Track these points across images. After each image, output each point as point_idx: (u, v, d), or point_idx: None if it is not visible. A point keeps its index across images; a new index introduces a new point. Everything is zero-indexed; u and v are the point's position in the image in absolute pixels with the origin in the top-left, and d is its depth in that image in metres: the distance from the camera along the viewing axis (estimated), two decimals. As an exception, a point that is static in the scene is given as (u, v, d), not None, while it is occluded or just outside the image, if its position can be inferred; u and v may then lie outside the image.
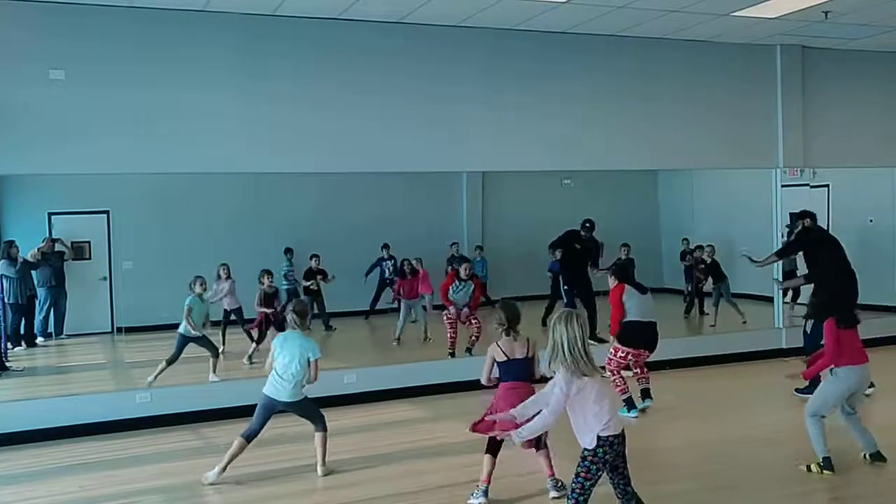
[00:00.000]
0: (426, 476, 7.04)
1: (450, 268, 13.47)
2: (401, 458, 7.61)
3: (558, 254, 12.42)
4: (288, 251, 14.72)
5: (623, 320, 8.70)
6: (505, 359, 6.25)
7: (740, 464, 7.17)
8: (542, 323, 14.67)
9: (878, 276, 13.70)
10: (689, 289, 14.82)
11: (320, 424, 7.17)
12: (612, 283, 8.91)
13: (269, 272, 12.13)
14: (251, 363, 11.56)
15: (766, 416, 8.76)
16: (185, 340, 10.12)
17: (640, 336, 8.75)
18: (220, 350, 10.52)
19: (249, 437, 6.95)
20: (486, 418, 6.10)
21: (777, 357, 11.66)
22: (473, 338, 11.37)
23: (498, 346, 6.29)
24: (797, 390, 9.30)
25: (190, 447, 8.30)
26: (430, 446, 8.00)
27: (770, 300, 12.59)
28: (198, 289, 10.28)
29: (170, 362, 9.96)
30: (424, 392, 10.04)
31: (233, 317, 12.46)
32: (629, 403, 8.80)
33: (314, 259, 14.32)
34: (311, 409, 7.19)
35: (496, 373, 6.37)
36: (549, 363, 4.98)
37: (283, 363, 6.87)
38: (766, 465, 7.12)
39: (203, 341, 10.27)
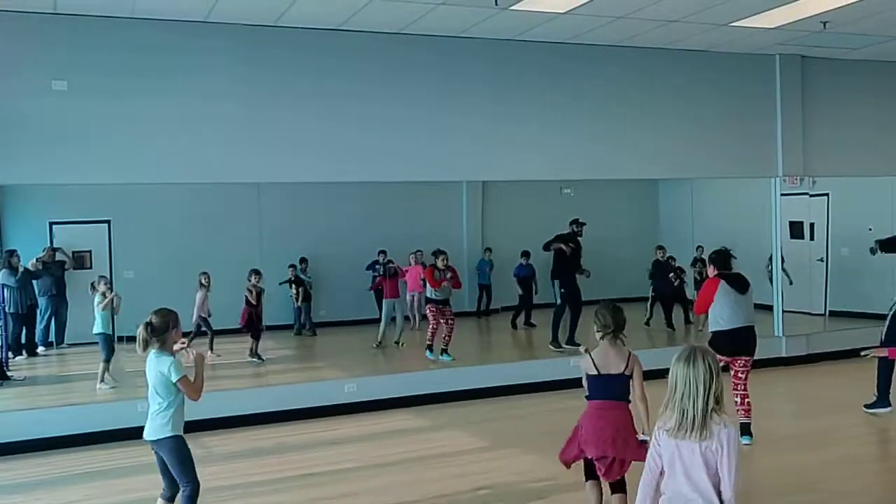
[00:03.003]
0: (428, 485, 7.03)
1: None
2: (402, 467, 7.61)
3: (568, 247, 12.36)
4: (303, 261, 14.87)
5: (712, 330, 7.80)
6: (596, 373, 5.34)
7: (746, 472, 7.16)
8: (513, 325, 14.80)
9: (876, 284, 13.73)
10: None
11: (186, 490, 5.40)
12: (710, 272, 7.98)
13: (256, 271, 12.53)
14: (260, 359, 12.15)
15: (768, 424, 8.76)
16: (101, 337, 10.58)
17: (732, 341, 7.72)
18: (110, 360, 10.59)
19: (171, 498, 5.57)
20: (570, 444, 5.47)
21: (777, 366, 11.68)
22: (446, 337, 11.57)
23: (590, 356, 5.38)
24: (866, 406, 8.86)
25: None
26: (431, 455, 8.00)
27: (769, 309, 12.61)
28: (101, 288, 10.64)
29: (106, 361, 10.50)
30: (425, 401, 10.04)
31: (202, 327, 12.62)
32: (745, 430, 7.68)
33: (302, 264, 14.48)
34: (182, 458, 5.39)
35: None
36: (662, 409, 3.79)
37: (149, 390, 5.36)
38: (772, 473, 7.13)
39: (107, 341, 10.53)
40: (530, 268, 15.02)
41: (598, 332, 5.40)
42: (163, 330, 5.29)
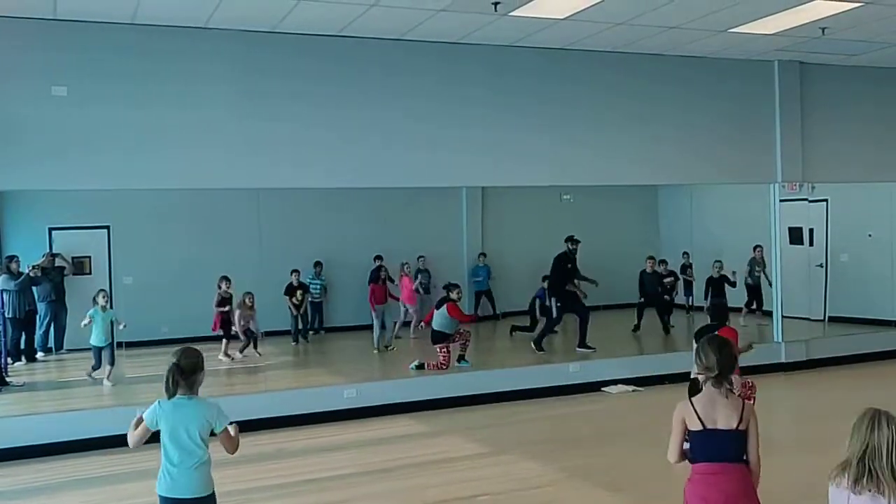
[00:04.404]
0: (427, 491, 7.03)
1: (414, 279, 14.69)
2: (402, 473, 7.61)
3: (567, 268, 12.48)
4: (318, 264, 14.88)
5: None
6: (701, 428, 4.16)
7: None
8: (511, 333, 14.73)
9: (876, 290, 13.76)
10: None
11: None
12: None
13: (226, 278, 12.79)
14: (232, 358, 12.51)
15: (767, 429, 8.72)
16: (96, 350, 10.94)
17: None
18: (112, 362, 11.04)
19: None
20: None
21: (776, 371, 11.66)
22: (464, 342, 11.52)
23: (691, 406, 4.20)
24: None
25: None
26: (431, 461, 8.00)
27: (769, 314, 12.61)
28: (101, 301, 10.90)
29: (94, 368, 11.06)
30: (425, 407, 10.03)
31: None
32: None
33: (294, 274, 14.36)
34: None
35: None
36: (834, 473, 3.83)
37: (175, 441, 4.60)
38: (771, 478, 7.09)
39: (108, 350, 10.97)
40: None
41: (698, 374, 4.30)
42: (192, 371, 4.58)
